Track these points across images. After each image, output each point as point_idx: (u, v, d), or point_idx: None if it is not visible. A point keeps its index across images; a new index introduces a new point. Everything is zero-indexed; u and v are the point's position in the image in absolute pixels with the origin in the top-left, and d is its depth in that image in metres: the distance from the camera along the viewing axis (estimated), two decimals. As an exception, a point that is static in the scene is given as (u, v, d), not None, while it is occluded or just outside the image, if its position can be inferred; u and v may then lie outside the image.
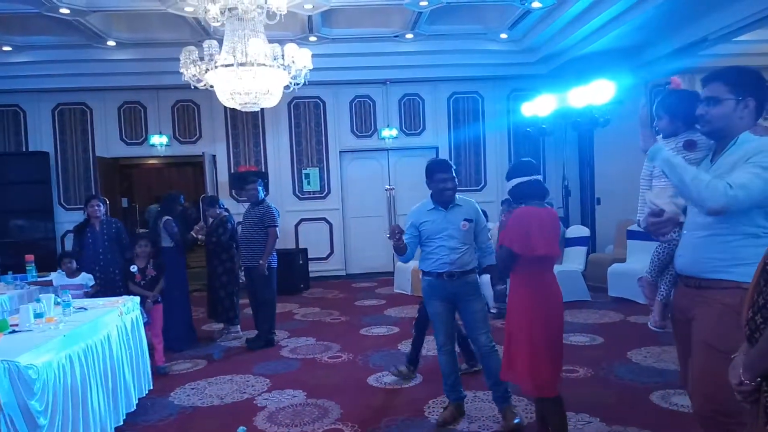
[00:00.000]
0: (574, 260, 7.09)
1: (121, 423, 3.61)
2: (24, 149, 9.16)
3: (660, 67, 7.52)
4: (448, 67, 9.10)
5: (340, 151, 9.75)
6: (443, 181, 3.46)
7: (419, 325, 4.42)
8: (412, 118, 9.82)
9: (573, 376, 4.28)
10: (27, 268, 5.56)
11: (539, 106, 8.31)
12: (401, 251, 3.40)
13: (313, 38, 7.96)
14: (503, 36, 8.30)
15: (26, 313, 3.35)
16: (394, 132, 9.69)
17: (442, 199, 3.48)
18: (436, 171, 3.49)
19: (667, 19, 6.53)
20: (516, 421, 3.37)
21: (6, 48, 7.92)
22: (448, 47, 8.60)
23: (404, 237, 3.38)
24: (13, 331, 3.21)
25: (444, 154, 9.83)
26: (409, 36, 8.22)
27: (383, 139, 9.71)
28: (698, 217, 2.14)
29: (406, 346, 5.30)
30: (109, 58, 8.28)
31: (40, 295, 3.65)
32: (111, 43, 7.87)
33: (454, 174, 3.49)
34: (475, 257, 3.53)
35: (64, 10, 6.43)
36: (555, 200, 8.10)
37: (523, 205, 2.92)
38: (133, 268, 4.86)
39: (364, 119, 9.75)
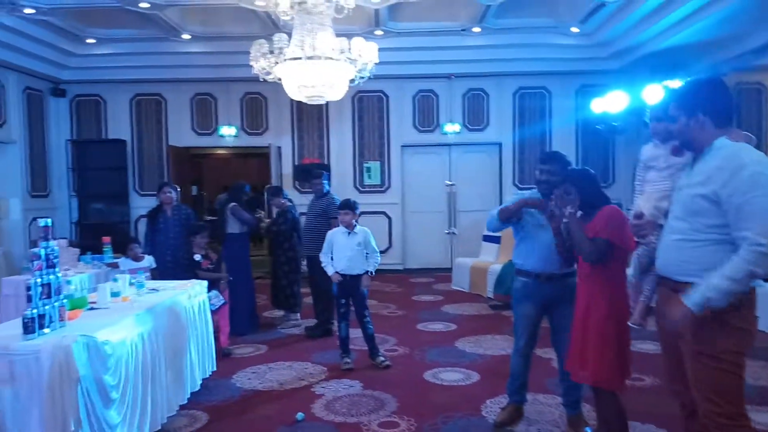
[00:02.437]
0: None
1: (186, 402, 3.75)
2: (104, 137, 9.68)
3: (746, 62, 7.05)
4: (515, 61, 8.92)
5: (401, 146, 9.75)
6: (540, 172, 3.25)
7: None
8: (475, 114, 9.69)
9: (639, 384, 4.11)
10: (104, 249, 5.88)
11: (610, 103, 8.01)
12: (513, 215, 3.26)
13: (379, 32, 7.98)
14: (574, 30, 8.04)
15: (104, 292, 3.53)
16: (457, 127, 9.59)
17: (541, 192, 3.29)
18: (539, 162, 3.32)
19: (759, 9, 6.09)
20: (588, 430, 3.25)
21: (90, 40, 8.38)
22: (515, 41, 8.42)
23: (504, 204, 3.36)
24: (92, 308, 3.39)
25: (508, 151, 9.66)
26: (477, 30, 8.09)
27: (445, 134, 9.63)
28: (675, 221, 2.24)
29: (463, 344, 5.26)
30: (183, 50, 8.61)
31: (117, 275, 3.84)
32: (186, 36, 8.17)
33: (556, 167, 3.17)
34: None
35: (144, 4, 6.73)
36: (626, 202, 7.78)
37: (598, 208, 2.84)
38: (197, 257, 5.04)
39: (426, 114, 9.70)
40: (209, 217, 11.25)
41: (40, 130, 9.17)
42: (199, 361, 4.08)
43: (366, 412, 3.70)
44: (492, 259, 7.78)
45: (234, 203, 5.88)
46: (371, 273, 4.69)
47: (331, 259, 4.70)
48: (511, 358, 3.50)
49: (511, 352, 3.52)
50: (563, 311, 3.22)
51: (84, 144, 9.62)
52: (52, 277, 2.84)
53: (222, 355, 4.76)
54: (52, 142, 9.39)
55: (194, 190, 11.61)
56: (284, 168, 9.69)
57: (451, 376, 4.39)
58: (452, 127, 9.58)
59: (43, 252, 2.81)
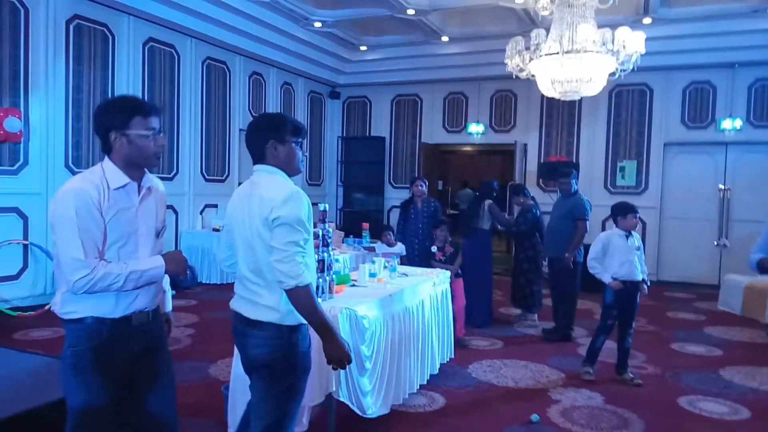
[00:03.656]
0: None
1: (425, 382, 4.00)
2: (367, 134, 10.80)
3: None
4: (826, 43, 7.30)
5: (664, 144, 8.79)
6: None
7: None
8: (764, 107, 8.21)
9: None
10: (363, 234, 6.59)
11: None
12: None
13: (647, 20, 7.30)
14: None
15: (363, 272, 3.96)
16: (738, 123, 8.27)
17: None
18: None
19: None
20: None
21: (362, 48, 9.42)
22: (828, 18, 6.89)
23: (758, 240, 2.96)
24: (353, 285, 3.83)
25: (807, 152, 7.98)
26: (773, 9, 6.84)
27: (722, 131, 8.38)
28: None
29: (730, 374, 4.56)
30: (441, 52, 9.10)
31: (374, 258, 4.27)
32: (445, 38, 8.61)
33: None
34: None
35: (410, 11, 7.30)
36: None
37: None
38: (433, 248, 5.30)
39: (699, 108, 8.57)
40: (451, 211, 11.73)
41: (319, 127, 10.67)
42: (439, 346, 4.30)
43: (607, 428, 3.46)
44: (775, 280, 6.53)
45: (490, 201, 6.02)
46: (647, 281, 4.42)
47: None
48: None
49: None
50: None
51: (351, 140, 10.89)
52: (326, 254, 3.28)
53: (458, 345, 4.93)
54: (327, 138, 10.86)
55: (440, 184, 12.21)
56: (529, 165, 9.55)
57: (712, 407, 3.84)
58: (732, 123, 8.28)
59: (320, 232, 3.27)
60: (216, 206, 8.25)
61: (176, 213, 7.72)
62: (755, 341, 5.66)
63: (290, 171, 2.14)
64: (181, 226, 7.79)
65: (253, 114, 8.88)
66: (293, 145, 2.12)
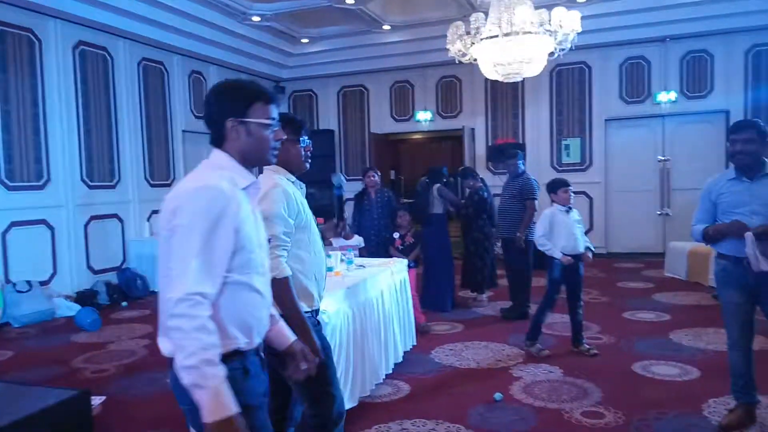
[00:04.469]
0: None
1: (390, 372, 4.01)
2: (316, 128, 10.69)
3: None
4: (748, 15, 7.67)
5: (605, 120, 9.06)
6: (733, 143, 2.90)
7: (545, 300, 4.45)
8: (696, 79, 8.57)
9: None
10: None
11: None
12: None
13: (581, -1, 7.47)
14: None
15: (319, 267, 3.92)
16: (673, 95, 8.60)
17: (739, 166, 2.92)
18: (730, 132, 2.96)
19: None
20: None
21: (304, 40, 9.28)
22: (749, -9, 7.23)
23: (696, 213, 3.04)
24: (310, 281, 3.79)
25: (738, 118, 8.36)
26: (698, -17, 7.12)
27: (658, 103, 8.71)
28: None
29: (679, 337, 4.76)
30: (383, 41, 9.07)
31: (330, 252, 4.23)
32: (386, 27, 8.59)
33: (756, 135, 2.83)
34: None
35: (350, 1, 7.24)
36: None
37: None
38: (396, 235, 5.33)
39: (635, 83, 8.86)
40: (405, 200, 11.78)
41: (265, 124, 10.48)
42: (402, 335, 4.32)
43: (568, 399, 3.56)
44: (715, 243, 6.85)
45: (438, 184, 6.07)
46: (592, 249, 4.53)
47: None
48: (729, 356, 3.08)
49: (727, 348, 3.09)
50: None
51: (299, 135, 10.73)
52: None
53: (420, 331, 4.97)
54: (274, 134, 10.68)
55: (392, 174, 12.24)
56: (477, 149, 9.68)
57: (664, 370, 4.01)
58: (667, 96, 8.61)
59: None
60: (164, 211, 8.00)
61: (121, 221, 7.46)
62: (701, 303, 5.93)
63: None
64: (128, 234, 7.53)
65: (196, 114, 8.65)
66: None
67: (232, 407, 1.37)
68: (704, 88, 8.55)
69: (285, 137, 1.67)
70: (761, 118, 8.11)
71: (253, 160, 1.64)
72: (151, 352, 4.89)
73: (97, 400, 3.54)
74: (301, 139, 2.26)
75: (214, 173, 1.54)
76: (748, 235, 2.75)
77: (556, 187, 4.48)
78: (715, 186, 3.02)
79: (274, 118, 1.64)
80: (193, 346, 1.35)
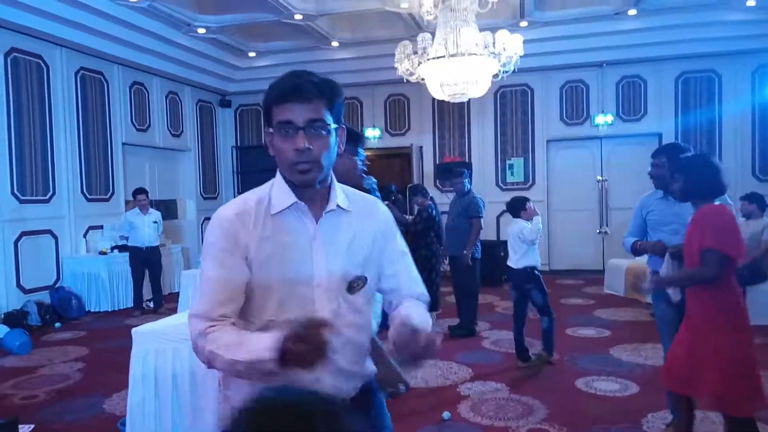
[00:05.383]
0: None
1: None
2: (263, 143, 10.51)
3: None
4: (677, 43, 8.15)
5: (547, 140, 9.36)
6: (651, 167, 3.22)
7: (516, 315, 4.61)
8: (631, 103, 9.00)
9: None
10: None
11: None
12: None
13: (524, 23, 7.74)
14: (750, 3, 7.11)
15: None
16: (609, 118, 8.99)
17: (655, 187, 3.21)
18: (651, 156, 3.17)
19: None
20: None
21: (251, 54, 9.17)
22: (677, 21, 7.69)
23: (630, 225, 3.30)
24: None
25: (669, 141, 8.83)
26: (632, 12, 7.52)
27: (596, 126, 9.08)
28: None
29: (618, 352, 4.91)
30: (332, 57, 9.07)
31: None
32: (335, 43, 8.60)
33: (666, 161, 3.05)
34: None
35: (298, 16, 7.21)
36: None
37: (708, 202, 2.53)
38: None
39: (575, 106, 9.21)
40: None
41: (210, 138, 10.24)
42: (349, 355, 4.25)
43: (514, 417, 3.59)
44: (650, 260, 7.15)
45: (387, 202, 6.06)
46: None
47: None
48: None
49: (663, 362, 3.21)
50: None
51: (246, 150, 10.56)
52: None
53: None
54: (220, 149, 10.45)
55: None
56: (426, 167, 9.79)
57: (606, 385, 4.11)
58: (604, 119, 8.99)
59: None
60: (101, 227, 7.65)
61: (55, 237, 7.07)
62: (639, 319, 6.15)
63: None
64: (63, 251, 7.14)
65: (137, 127, 8.36)
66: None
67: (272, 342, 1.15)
68: (638, 111, 8.98)
69: (304, 146, 1.27)
70: (689, 141, 8.67)
71: (288, 178, 1.34)
72: (86, 376, 4.62)
73: (26, 429, 3.31)
74: (359, 151, 2.11)
75: (247, 194, 1.40)
76: (667, 256, 2.88)
77: (523, 203, 4.71)
78: (647, 203, 3.25)
79: (288, 122, 1.29)
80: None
